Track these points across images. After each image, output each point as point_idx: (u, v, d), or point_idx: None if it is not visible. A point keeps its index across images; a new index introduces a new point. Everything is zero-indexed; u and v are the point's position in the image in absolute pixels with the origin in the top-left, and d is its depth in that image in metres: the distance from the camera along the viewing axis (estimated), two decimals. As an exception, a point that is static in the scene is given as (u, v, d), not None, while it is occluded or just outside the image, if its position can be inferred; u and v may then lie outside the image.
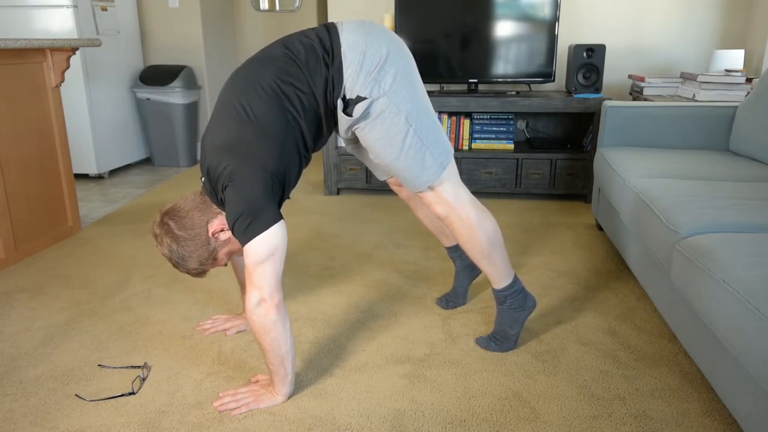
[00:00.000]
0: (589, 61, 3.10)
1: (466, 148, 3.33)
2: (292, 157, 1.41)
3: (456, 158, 3.23)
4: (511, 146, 3.29)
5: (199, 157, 4.48)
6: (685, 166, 2.14)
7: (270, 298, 1.36)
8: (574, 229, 2.78)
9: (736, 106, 2.47)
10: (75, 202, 2.78)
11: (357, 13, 3.56)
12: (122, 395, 1.51)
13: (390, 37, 1.47)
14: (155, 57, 4.37)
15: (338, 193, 3.46)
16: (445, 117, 3.32)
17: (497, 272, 1.65)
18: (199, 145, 4.49)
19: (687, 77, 2.96)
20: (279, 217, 1.36)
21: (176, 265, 1.51)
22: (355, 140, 1.67)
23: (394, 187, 1.85)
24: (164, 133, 4.17)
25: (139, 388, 1.54)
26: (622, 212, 2.06)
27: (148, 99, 4.07)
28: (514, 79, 3.25)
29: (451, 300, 1.99)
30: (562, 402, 1.47)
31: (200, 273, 1.54)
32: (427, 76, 3.29)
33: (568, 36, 3.42)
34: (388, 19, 3.30)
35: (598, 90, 3.13)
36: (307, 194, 3.46)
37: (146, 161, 4.46)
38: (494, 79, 3.26)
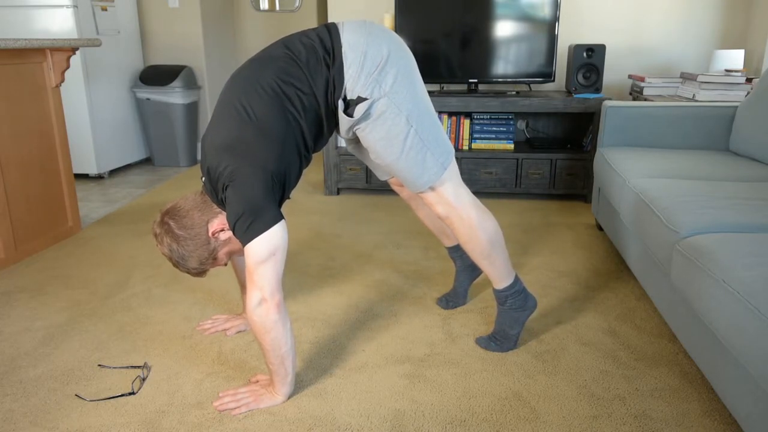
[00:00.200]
0: (589, 61, 3.10)
1: (466, 148, 3.33)
2: (292, 157, 1.42)
3: (456, 158, 3.23)
4: (511, 146, 3.29)
5: (199, 157, 4.48)
6: (685, 166, 2.14)
7: (271, 297, 1.36)
8: (574, 229, 2.79)
9: (736, 106, 2.47)
10: (75, 202, 2.78)
11: (357, 13, 3.56)
12: (122, 395, 1.51)
13: (391, 37, 1.47)
14: (155, 57, 4.37)
15: (338, 193, 3.46)
16: (445, 117, 3.32)
17: (498, 272, 1.65)
18: (199, 145, 4.49)
19: (687, 77, 2.96)
20: (280, 217, 1.36)
21: (176, 265, 1.51)
22: (356, 140, 1.67)
23: (395, 187, 1.85)
24: (164, 133, 4.17)
25: (139, 388, 1.54)
26: (622, 212, 2.06)
27: (148, 99, 4.07)
28: (514, 79, 3.25)
29: (451, 300, 1.99)
30: (562, 402, 1.47)
31: (200, 273, 1.54)
32: (427, 76, 3.29)
33: (568, 36, 3.42)
34: (388, 19, 3.30)
35: (598, 90, 3.13)
36: (307, 194, 3.46)
37: (146, 161, 4.46)
38: (494, 79, 3.26)
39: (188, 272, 1.53)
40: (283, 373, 1.45)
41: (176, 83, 4.04)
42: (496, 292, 1.69)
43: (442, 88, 3.55)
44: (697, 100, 2.81)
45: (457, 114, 3.33)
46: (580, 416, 1.42)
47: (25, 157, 2.48)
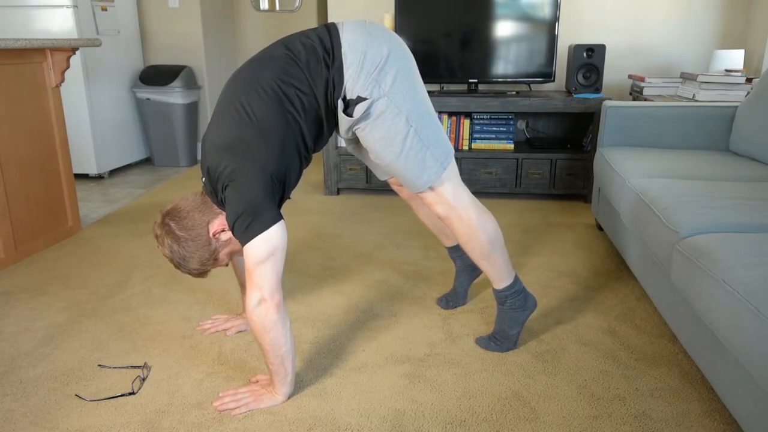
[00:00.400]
0: (589, 61, 3.10)
1: (466, 148, 3.33)
2: (292, 157, 1.42)
3: (456, 158, 3.23)
4: (511, 146, 3.29)
5: (199, 157, 4.48)
6: (685, 166, 2.14)
7: (270, 297, 1.36)
8: (574, 229, 2.79)
9: (736, 106, 2.47)
10: (75, 202, 2.78)
11: (357, 13, 3.56)
12: (122, 395, 1.51)
13: (391, 37, 1.47)
14: (155, 57, 4.37)
15: (338, 193, 3.46)
16: (445, 117, 3.32)
17: (498, 272, 1.65)
18: (199, 145, 4.49)
19: (687, 77, 2.96)
20: (279, 217, 1.36)
21: (177, 266, 1.51)
22: (355, 140, 1.67)
23: (394, 187, 1.85)
24: (164, 133, 4.17)
25: (139, 388, 1.54)
26: (622, 212, 2.06)
27: (148, 99, 4.07)
28: (514, 79, 3.25)
29: (451, 300, 1.99)
30: (562, 402, 1.47)
31: (201, 273, 1.54)
32: (427, 76, 3.29)
33: (568, 36, 3.42)
34: (388, 19, 3.30)
35: (598, 90, 3.13)
36: (307, 194, 3.46)
37: (146, 161, 4.46)
38: (494, 79, 3.26)
39: (189, 273, 1.53)
40: (282, 373, 1.45)
41: (176, 83, 4.04)
42: (496, 292, 1.69)
43: (442, 88, 3.55)
44: (697, 100, 2.81)
45: (457, 114, 3.33)
46: (580, 416, 1.42)
47: (25, 157, 2.48)
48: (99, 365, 1.66)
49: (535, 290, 2.12)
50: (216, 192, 1.43)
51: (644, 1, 3.31)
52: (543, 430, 1.37)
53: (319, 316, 1.94)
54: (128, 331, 1.85)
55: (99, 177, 3.96)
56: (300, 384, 1.56)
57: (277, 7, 4.71)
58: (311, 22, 4.78)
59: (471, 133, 3.32)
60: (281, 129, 1.38)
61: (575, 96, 3.10)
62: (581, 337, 1.79)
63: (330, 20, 3.62)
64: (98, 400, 1.50)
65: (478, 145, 3.32)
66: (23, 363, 1.67)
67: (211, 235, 1.49)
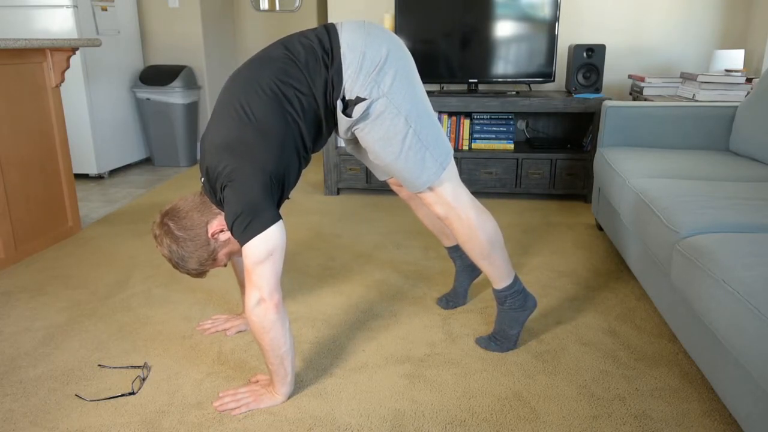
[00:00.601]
0: (589, 61, 3.10)
1: (466, 148, 3.33)
2: (291, 157, 1.42)
3: (456, 158, 3.23)
4: (511, 146, 3.29)
5: (199, 157, 4.48)
6: (685, 166, 2.14)
7: (269, 297, 1.36)
8: (574, 229, 2.78)
9: (736, 106, 2.47)
10: (75, 202, 2.78)
11: (357, 13, 3.56)
12: (122, 395, 1.51)
13: (389, 37, 1.47)
14: (155, 57, 4.37)
15: (338, 193, 3.46)
16: (445, 117, 3.32)
17: (497, 272, 1.65)
18: (199, 145, 4.49)
19: (687, 77, 2.96)
20: (278, 217, 1.36)
21: (176, 266, 1.51)
22: (354, 141, 1.67)
23: (394, 187, 1.85)
24: (164, 133, 4.17)
25: (139, 388, 1.54)
26: (622, 212, 2.06)
27: (148, 99, 4.07)
28: (514, 79, 3.25)
29: (451, 300, 1.99)
30: (562, 402, 1.47)
31: (200, 273, 1.54)
32: (427, 76, 3.29)
33: (568, 36, 3.42)
34: (388, 19, 3.30)
35: (598, 90, 3.13)
36: (307, 194, 3.46)
37: (146, 161, 4.46)
38: (494, 79, 3.26)
39: (188, 273, 1.53)
40: (282, 373, 1.45)
41: (176, 83, 4.04)
42: (496, 292, 1.69)
43: (442, 88, 3.55)
44: (697, 100, 2.81)
45: (457, 114, 3.33)
46: (580, 416, 1.42)
47: (25, 157, 2.48)
48: (99, 365, 1.66)
49: (535, 290, 2.12)
50: (215, 192, 1.43)
51: (644, 1, 3.31)
52: (543, 430, 1.37)
53: (319, 316, 1.94)
54: (128, 331, 1.85)
55: (99, 177, 3.96)
56: (300, 384, 1.56)
57: (277, 7, 4.71)
58: (311, 22, 4.78)
59: (471, 133, 3.32)
60: (280, 129, 1.38)
61: (575, 96, 3.10)
62: (581, 337, 1.79)
63: (330, 20, 3.62)
64: (98, 400, 1.50)
65: (478, 145, 3.32)
66: (23, 363, 1.67)
67: (209, 235, 1.49)
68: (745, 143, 2.31)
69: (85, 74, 3.64)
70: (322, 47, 1.42)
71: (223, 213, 1.50)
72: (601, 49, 3.07)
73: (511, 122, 3.28)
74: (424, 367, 1.63)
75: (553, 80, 3.22)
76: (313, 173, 4.02)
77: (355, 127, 1.47)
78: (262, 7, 4.69)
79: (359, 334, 1.82)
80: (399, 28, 3.23)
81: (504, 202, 3.26)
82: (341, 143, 3.37)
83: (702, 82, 2.81)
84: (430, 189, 1.54)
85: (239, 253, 1.62)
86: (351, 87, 1.42)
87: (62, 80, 2.61)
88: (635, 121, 2.53)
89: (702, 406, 1.45)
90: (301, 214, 3.06)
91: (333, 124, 1.51)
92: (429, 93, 3.27)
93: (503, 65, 3.23)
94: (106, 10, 3.80)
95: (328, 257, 2.46)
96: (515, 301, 1.68)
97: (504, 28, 3.17)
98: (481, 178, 3.25)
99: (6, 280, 2.26)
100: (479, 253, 1.61)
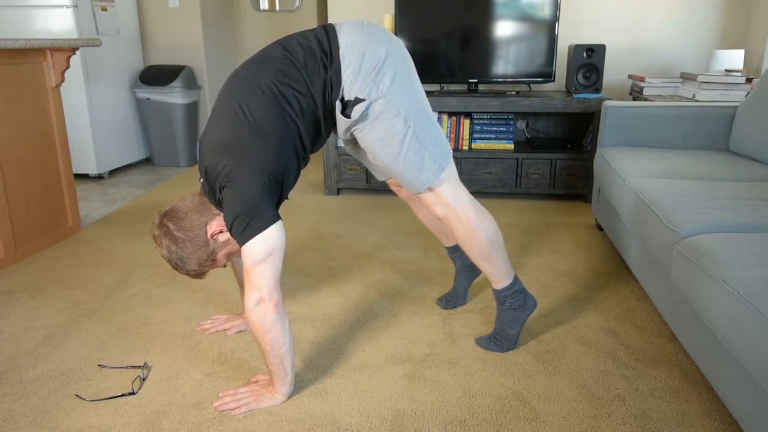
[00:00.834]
0: (589, 61, 3.10)
1: (466, 148, 3.33)
2: (290, 158, 1.42)
3: (456, 158, 3.23)
4: (511, 146, 3.29)
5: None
6: (685, 166, 2.14)
7: (269, 297, 1.36)
8: (574, 229, 2.78)
9: (736, 106, 2.47)
10: (75, 202, 2.78)
11: (357, 13, 3.56)
12: (122, 395, 1.51)
13: (389, 38, 1.47)
14: (155, 57, 4.37)
15: (338, 193, 3.46)
16: (445, 117, 3.32)
17: (497, 273, 1.65)
18: (198, 145, 4.48)
19: (687, 77, 2.96)
20: (277, 218, 1.36)
21: (175, 267, 1.51)
22: (354, 141, 1.67)
23: (393, 188, 1.85)
24: (164, 133, 4.17)
25: (139, 388, 1.54)
26: (622, 212, 2.06)
27: (148, 99, 4.07)
28: (514, 79, 3.25)
29: (451, 300, 1.99)
30: (562, 402, 1.47)
31: (199, 274, 1.54)
32: (427, 76, 3.29)
33: (568, 36, 3.42)
34: (388, 19, 3.30)
35: (598, 90, 3.13)
36: (306, 194, 3.46)
37: (146, 161, 4.46)
38: (494, 79, 3.26)
39: (187, 274, 1.53)
40: (282, 373, 1.45)
41: (176, 83, 4.04)
42: (496, 292, 1.69)
43: (442, 88, 3.55)
44: (697, 100, 2.81)
45: (457, 114, 3.33)
46: (580, 416, 1.42)
47: (25, 157, 2.48)
48: (99, 365, 1.66)
49: (535, 290, 2.12)
50: (214, 192, 1.43)
51: (644, 1, 3.31)
52: (543, 430, 1.37)
53: (319, 316, 1.94)
54: (128, 331, 1.85)
55: (99, 177, 3.96)
56: (300, 384, 1.56)
57: (277, 7, 4.71)
58: (311, 22, 4.78)
59: (471, 133, 3.32)
60: (279, 130, 1.38)
61: (575, 96, 3.10)
62: (581, 337, 1.79)
63: (330, 20, 3.62)
64: (98, 400, 1.50)
65: (478, 145, 3.32)
66: (23, 363, 1.67)
67: (209, 236, 1.49)
68: (745, 143, 2.31)
69: (85, 74, 3.64)
70: (320, 48, 1.42)
71: (222, 213, 1.50)
72: (601, 49, 3.07)
73: (511, 122, 3.28)
74: (424, 367, 1.63)
75: (553, 80, 3.22)
76: (313, 173, 4.02)
77: (354, 128, 1.47)
78: (262, 7, 4.69)
79: (359, 334, 1.82)
80: (399, 28, 3.23)
81: (504, 202, 3.26)
82: (341, 143, 3.37)
83: (702, 82, 2.81)
84: (430, 189, 1.54)
85: (238, 253, 1.62)
86: (350, 88, 1.42)
87: (62, 80, 2.61)
88: (635, 121, 2.53)
89: (702, 406, 1.45)
90: (301, 214, 3.06)
91: (332, 125, 1.51)
92: (429, 93, 3.27)
93: (503, 65, 3.23)
94: (106, 10, 3.80)
95: (328, 257, 2.46)
96: (515, 301, 1.68)
97: (504, 28, 3.17)
98: (481, 178, 3.25)
99: (6, 280, 2.26)
100: (479, 254, 1.61)
